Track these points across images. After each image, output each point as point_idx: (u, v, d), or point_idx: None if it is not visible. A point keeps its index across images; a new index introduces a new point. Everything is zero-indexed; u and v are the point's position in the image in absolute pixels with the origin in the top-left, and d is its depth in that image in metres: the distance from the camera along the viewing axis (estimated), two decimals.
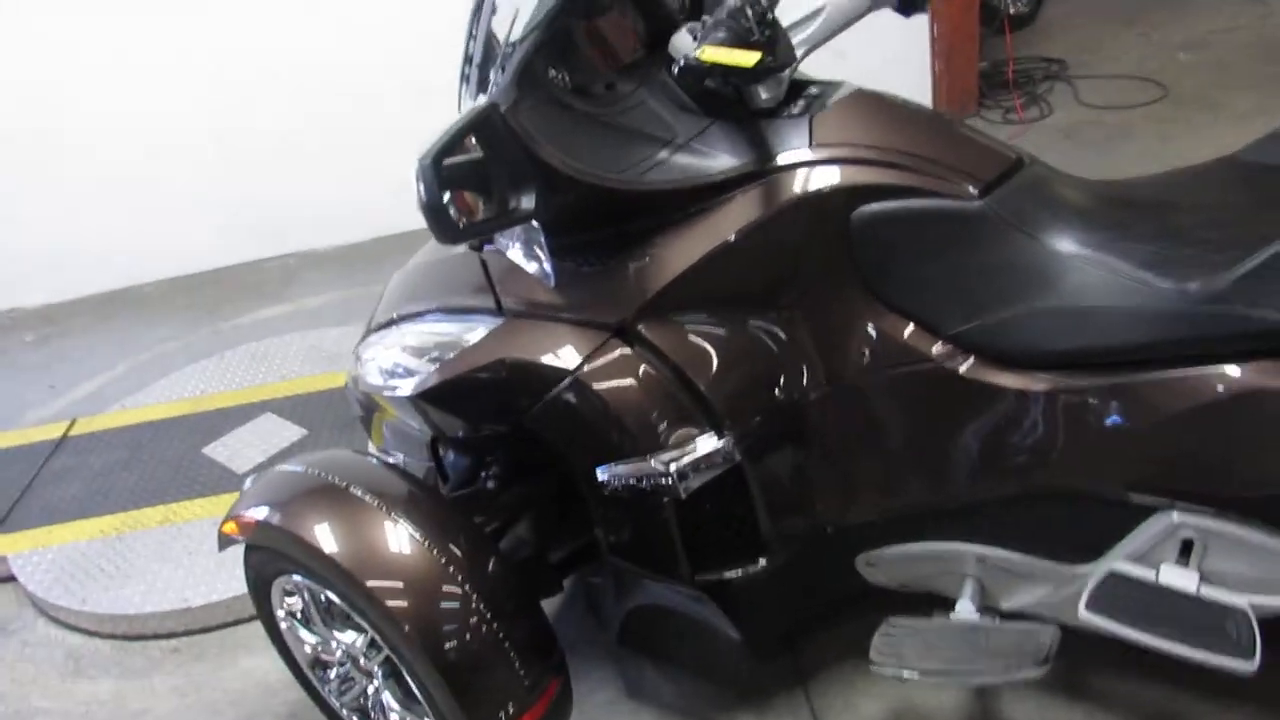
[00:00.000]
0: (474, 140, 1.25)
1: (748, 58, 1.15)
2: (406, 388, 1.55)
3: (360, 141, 3.62)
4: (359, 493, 1.39)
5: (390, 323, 1.66)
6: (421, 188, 1.20)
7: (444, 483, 1.78)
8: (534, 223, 1.40)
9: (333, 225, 3.86)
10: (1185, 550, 1.27)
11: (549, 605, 1.82)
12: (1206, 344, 1.15)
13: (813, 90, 1.44)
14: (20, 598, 2.25)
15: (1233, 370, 1.14)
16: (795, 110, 1.39)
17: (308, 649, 1.61)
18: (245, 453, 2.49)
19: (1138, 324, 1.19)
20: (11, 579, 2.26)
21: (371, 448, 1.99)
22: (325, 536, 1.36)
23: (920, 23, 3.74)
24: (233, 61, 3.65)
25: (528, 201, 1.30)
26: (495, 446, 1.70)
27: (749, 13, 1.19)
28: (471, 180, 1.27)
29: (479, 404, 1.51)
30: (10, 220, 3.81)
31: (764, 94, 1.40)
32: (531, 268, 1.45)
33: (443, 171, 1.21)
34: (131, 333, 3.52)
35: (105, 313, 3.77)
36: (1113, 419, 1.24)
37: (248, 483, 1.56)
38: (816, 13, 1.46)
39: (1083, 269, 1.24)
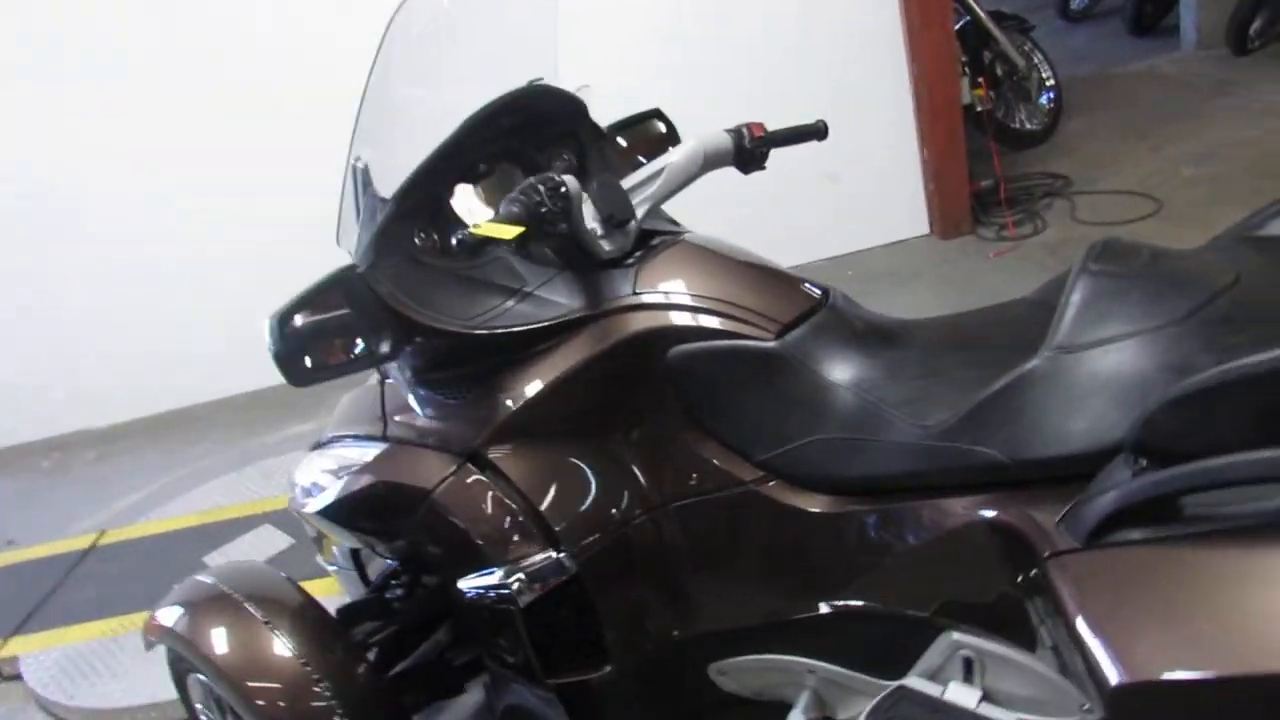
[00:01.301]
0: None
1: (509, 231, 1.33)
2: (314, 505, 1.75)
3: None
4: (248, 605, 1.58)
5: (320, 445, 1.88)
6: (270, 340, 1.41)
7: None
8: (396, 363, 1.62)
9: None
10: (971, 668, 1.34)
11: (466, 706, 1.98)
12: (940, 476, 1.26)
13: (655, 241, 1.61)
14: (25, 694, 2.50)
15: (959, 501, 1.24)
16: (631, 261, 1.57)
17: None
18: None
19: (893, 455, 1.30)
20: (19, 677, 2.51)
21: (320, 560, 2.18)
22: (211, 642, 1.55)
23: (910, 145, 3.90)
24: (284, 198, 4.04)
25: (385, 346, 1.51)
26: (406, 558, 1.87)
27: (541, 188, 1.39)
28: (337, 328, 1.49)
29: (364, 521, 1.69)
30: (85, 350, 4.26)
31: (608, 246, 1.58)
32: (409, 399, 1.65)
33: (295, 323, 1.43)
34: (176, 451, 3.86)
35: (159, 432, 4.14)
36: (882, 542, 1.34)
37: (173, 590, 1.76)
38: (657, 174, 1.64)
39: (856, 403, 1.37)
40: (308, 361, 1.46)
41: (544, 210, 1.38)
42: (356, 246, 1.57)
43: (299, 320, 1.45)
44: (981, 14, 4.59)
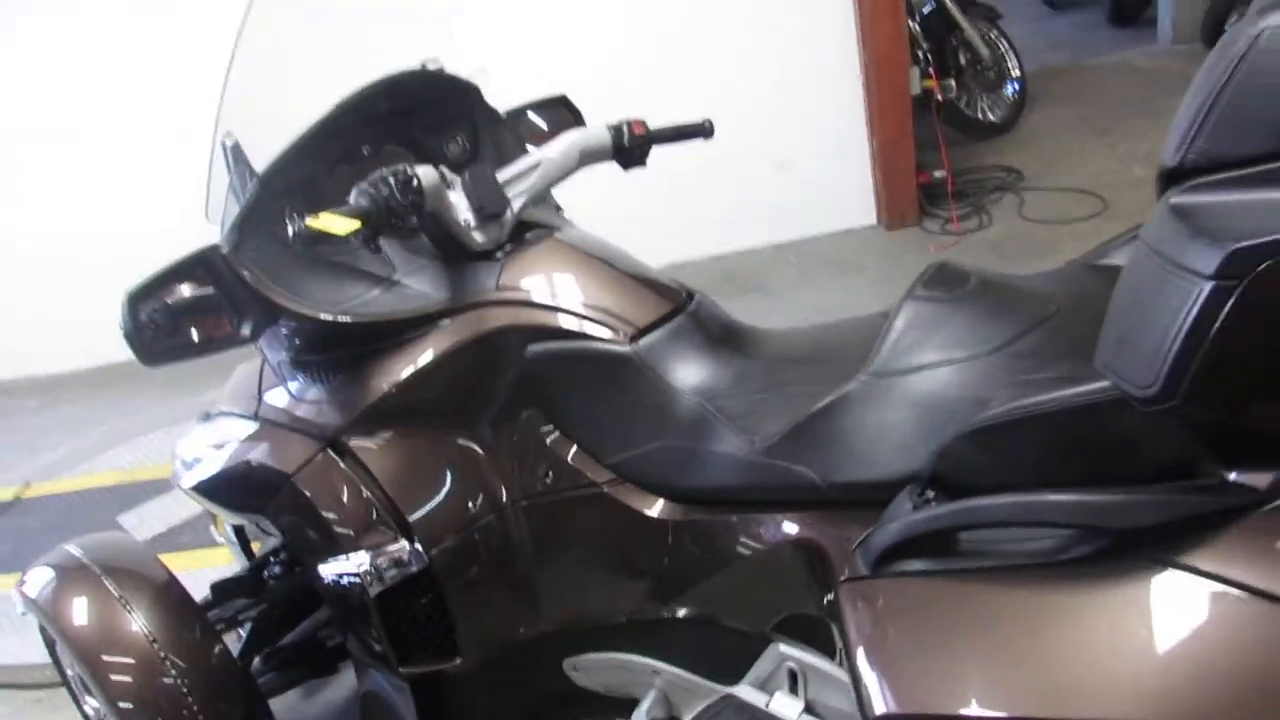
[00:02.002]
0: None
1: (344, 226, 1.32)
2: (189, 480, 1.76)
3: None
4: (105, 579, 1.59)
5: (206, 417, 1.88)
6: (121, 318, 1.41)
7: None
8: (270, 343, 1.62)
9: None
10: (796, 680, 1.37)
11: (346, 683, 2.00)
12: (765, 491, 1.28)
13: (529, 235, 1.61)
14: None
15: (782, 517, 1.26)
16: (501, 254, 1.56)
17: (90, 710, 1.80)
18: (150, 523, 2.75)
19: (725, 467, 1.32)
20: None
21: (213, 532, 2.20)
22: (67, 614, 1.56)
23: (860, 134, 3.88)
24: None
25: (247, 328, 1.52)
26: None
27: (391, 180, 1.37)
28: (195, 308, 1.49)
29: (232, 499, 1.70)
30: (35, 299, 4.24)
31: (480, 238, 1.57)
32: (281, 379, 1.66)
33: (152, 301, 1.43)
34: (115, 404, 3.86)
35: (103, 383, 4.13)
36: (716, 551, 1.36)
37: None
38: (534, 167, 1.63)
39: (698, 412, 1.37)
40: (163, 341, 1.46)
41: (392, 204, 1.36)
42: (223, 225, 1.56)
43: (157, 299, 1.46)
44: (948, 1, 4.54)
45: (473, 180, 1.55)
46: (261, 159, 1.58)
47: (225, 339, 1.52)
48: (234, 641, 1.80)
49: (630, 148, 1.70)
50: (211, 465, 1.70)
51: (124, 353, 4.17)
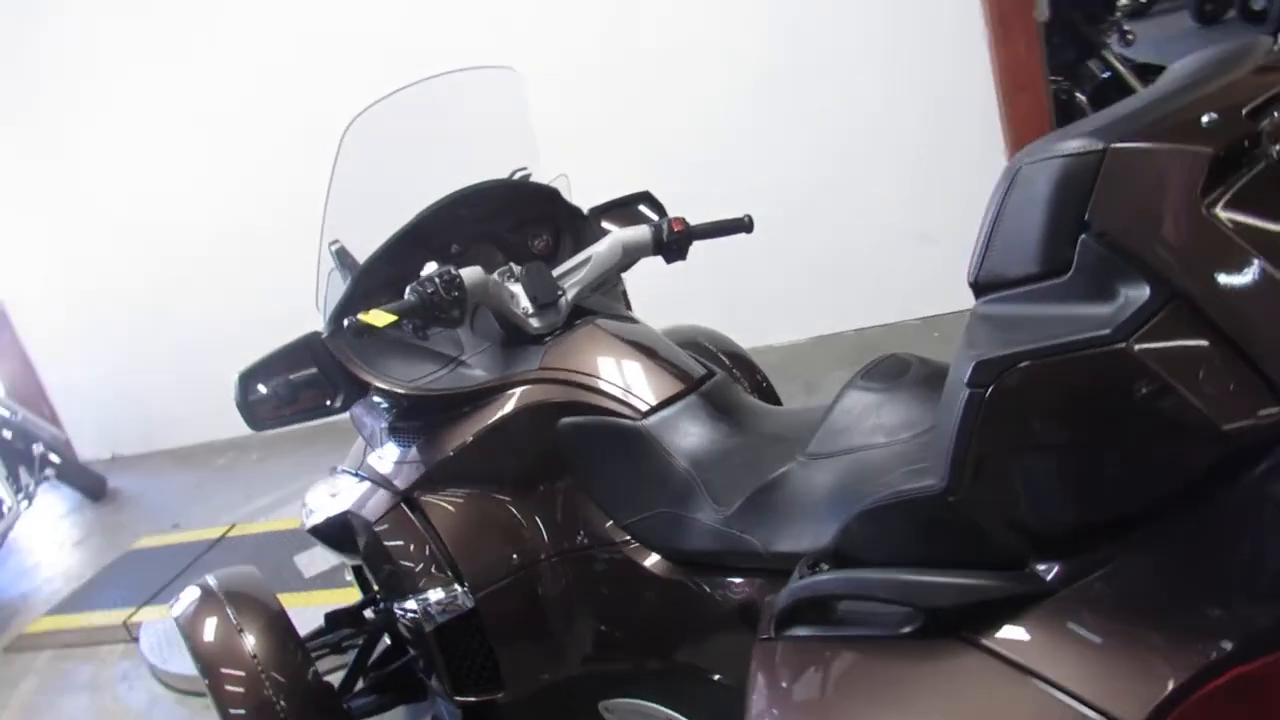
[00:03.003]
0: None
1: (381, 319, 1.58)
2: (309, 523, 2.09)
3: None
4: (227, 607, 1.93)
5: (330, 472, 2.23)
6: (235, 392, 1.75)
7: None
8: (371, 413, 1.93)
9: None
10: None
11: None
12: (728, 557, 1.41)
13: (577, 322, 1.83)
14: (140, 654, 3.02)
15: (740, 580, 1.38)
16: (550, 338, 1.79)
17: None
18: (317, 563, 3.15)
19: (701, 533, 1.46)
20: (136, 640, 3.04)
21: (346, 572, 2.54)
22: (196, 634, 1.91)
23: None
24: None
25: (339, 401, 1.83)
26: None
27: (437, 280, 1.63)
28: (295, 383, 1.82)
29: (336, 541, 2.01)
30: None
31: (536, 324, 1.81)
32: (379, 443, 1.96)
33: (259, 377, 1.77)
34: (317, 458, 4.36)
35: (311, 441, 4.68)
36: (699, 608, 1.50)
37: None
38: (585, 262, 1.86)
39: (688, 483, 1.53)
40: (269, 410, 1.79)
41: (436, 299, 1.62)
42: (325, 313, 1.88)
43: (266, 376, 1.79)
44: (1123, 70, 4.42)
45: (528, 275, 1.80)
46: (361, 256, 1.91)
47: (321, 409, 1.83)
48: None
49: (669, 243, 1.89)
50: (325, 512, 2.02)
51: (327, 417, 4.69)
